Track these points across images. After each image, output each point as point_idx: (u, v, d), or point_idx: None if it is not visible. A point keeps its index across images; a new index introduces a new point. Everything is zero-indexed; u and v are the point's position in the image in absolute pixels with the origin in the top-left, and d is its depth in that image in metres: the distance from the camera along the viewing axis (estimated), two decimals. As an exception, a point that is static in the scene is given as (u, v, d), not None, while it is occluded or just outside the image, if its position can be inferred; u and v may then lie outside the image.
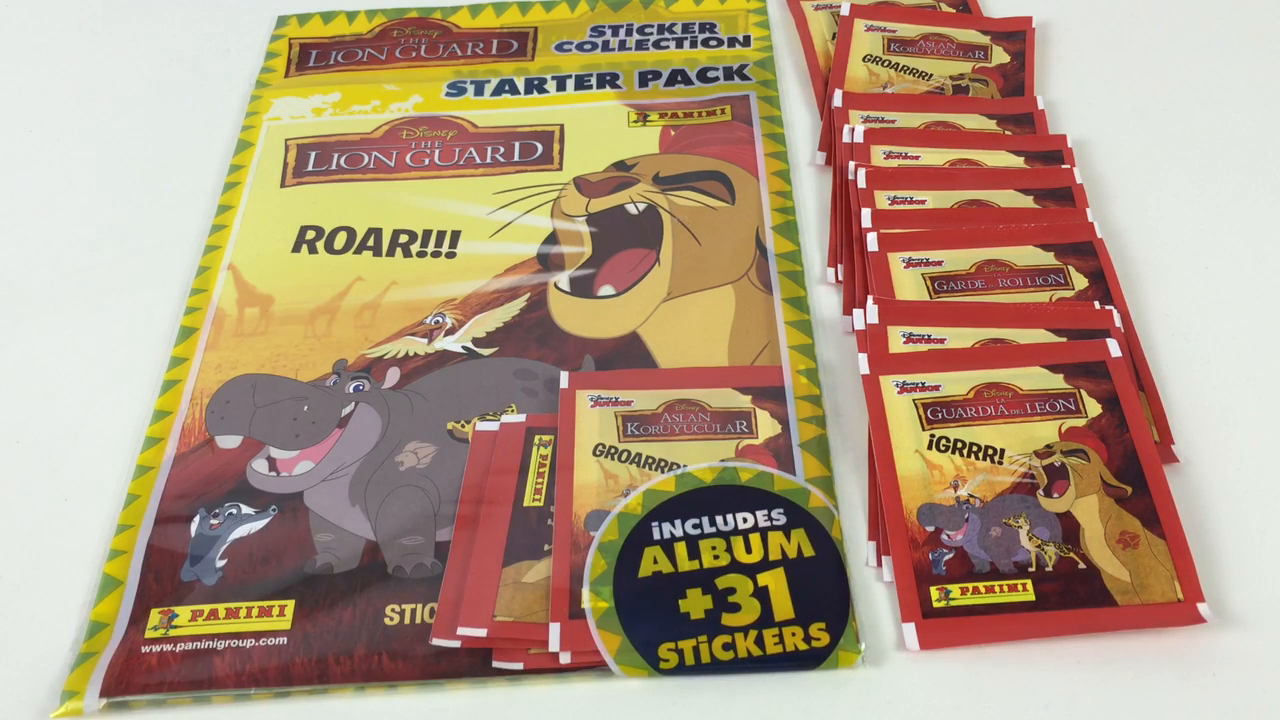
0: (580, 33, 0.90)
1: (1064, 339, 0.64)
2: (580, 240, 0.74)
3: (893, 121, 0.78)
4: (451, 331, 0.69)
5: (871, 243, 0.69)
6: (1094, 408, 0.61)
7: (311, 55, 0.89)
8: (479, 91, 0.85)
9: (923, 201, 0.72)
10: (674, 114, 0.82)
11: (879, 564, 0.57)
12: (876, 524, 0.58)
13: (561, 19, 0.91)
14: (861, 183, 0.73)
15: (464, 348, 0.68)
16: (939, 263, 0.68)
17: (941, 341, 0.64)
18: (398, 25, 0.91)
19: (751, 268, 0.71)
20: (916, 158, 0.75)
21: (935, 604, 0.54)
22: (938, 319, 0.65)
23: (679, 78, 0.85)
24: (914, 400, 0.61)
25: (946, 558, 0.56)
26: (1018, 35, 0.86)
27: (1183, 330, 0.67)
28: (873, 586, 0.57)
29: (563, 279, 0.71)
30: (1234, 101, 0.81)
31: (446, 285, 0.71)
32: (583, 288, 0.71)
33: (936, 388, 0.61)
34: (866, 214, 0.71)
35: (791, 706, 0.52)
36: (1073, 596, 0.54)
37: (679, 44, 0.88)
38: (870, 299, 0.65)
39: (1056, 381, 0.62)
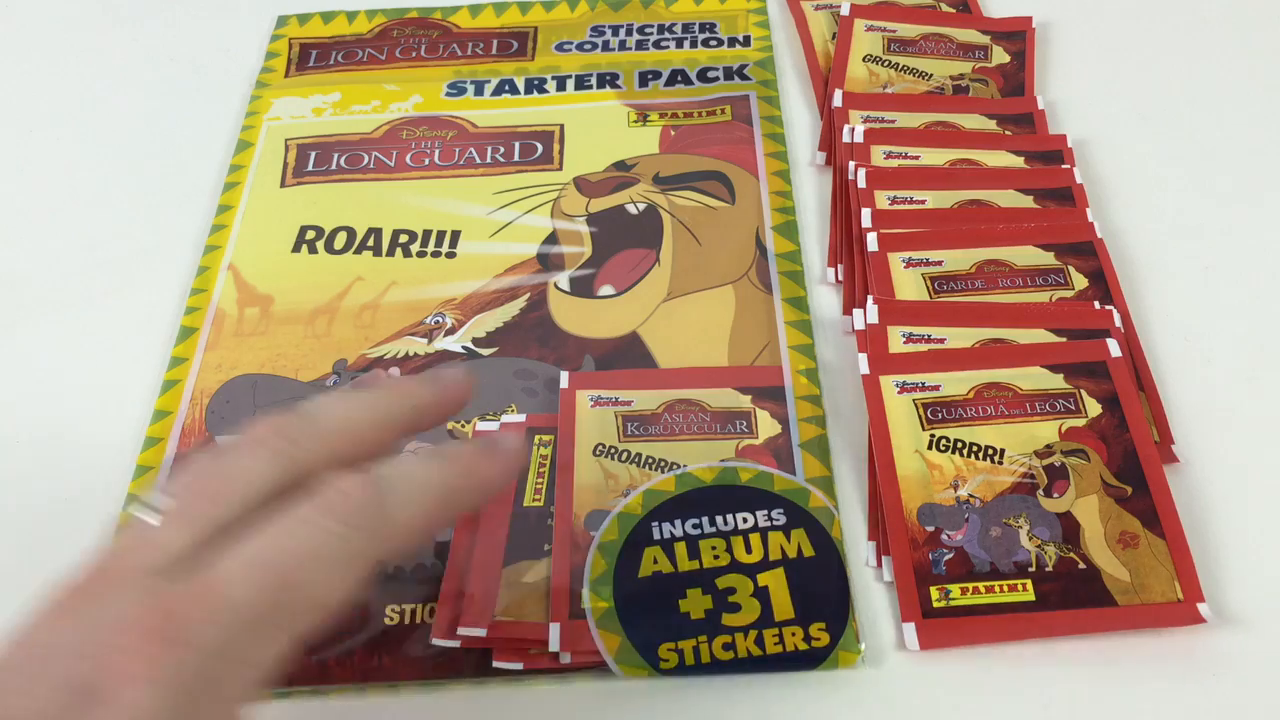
0: (580, 33, 0.90)
1: (1064, 339, 0.64)
2: (580, 240, 0.74)
3: (893, 121, 0.78)
4: (451, 331, 0.69)
5: (871, 243, 0.69)
6: (1094, 408, 0.60)
7: (311, 55, 0.89)
8: (479, 91, 0.85)
9: (923, 201, 0.72)
10: (674, 114, 0.82)
11: (879, 564, 0.57)
12: (876, 524, 0.58)
13: (561, 19, 0.91)
14: (861, 183, 0.73)
15: (464, 348, 0.68)
16: (939, 263, 0.68)
17: (941, 341, 0.64)
18: (398, 25, 0.91)
19: (751, 268, 0.71)
20: (916, 158, 0.75)
21: (935, 604, 0.54)
22: (938, 319, 0.65)
23: (679, 78, 0.85)
24: (914, 400, 0.61)
25: (946, 558, 0.56)
26: (1018, 35, 0.86)
27: (1183, 330, 0.67)
28: (873, 586, 0.57)
29: (563, 279, 0.71)
30: (1234, 101, 0.81)
31: (446, 285, 0.71)
32: (583, 288, 0.71)
33: (936, 388, 0.61)
34: (866, 214, 0.71)
35: (791, 706, 0.52)
36: (1073, 596, 0.54)
37: (679, 44, 0.88)
38: (870, 299, 0.65)
39: (1057, 381, 0.62)
